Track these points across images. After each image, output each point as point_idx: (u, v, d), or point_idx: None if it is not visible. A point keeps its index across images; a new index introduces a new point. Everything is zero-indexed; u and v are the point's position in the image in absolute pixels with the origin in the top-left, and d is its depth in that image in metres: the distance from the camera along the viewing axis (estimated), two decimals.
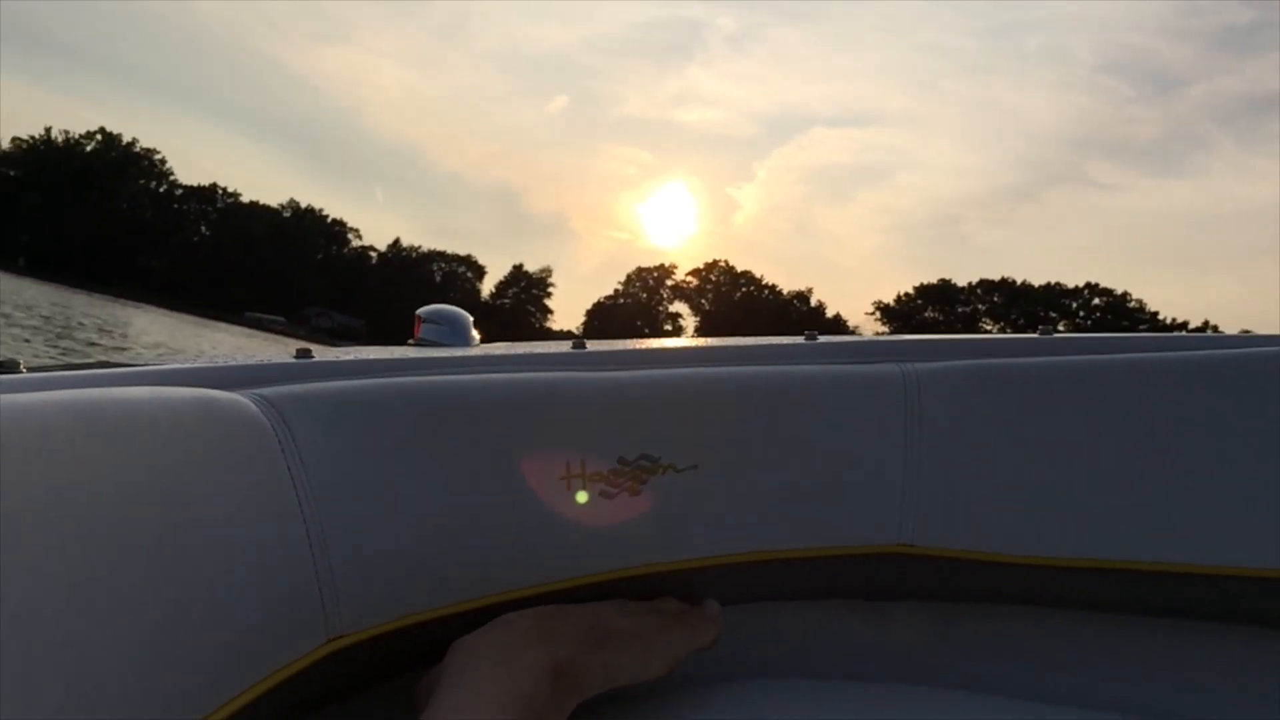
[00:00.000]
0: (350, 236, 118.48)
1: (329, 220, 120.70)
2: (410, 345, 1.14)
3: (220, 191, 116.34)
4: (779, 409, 0.77)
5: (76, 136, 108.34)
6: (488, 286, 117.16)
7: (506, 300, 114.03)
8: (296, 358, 0.75)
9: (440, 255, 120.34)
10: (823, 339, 0.88)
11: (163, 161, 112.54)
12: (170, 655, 0.48)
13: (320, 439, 0.63)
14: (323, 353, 0.78)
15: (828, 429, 0.77)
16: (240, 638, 0.54)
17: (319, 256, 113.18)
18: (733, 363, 0.80)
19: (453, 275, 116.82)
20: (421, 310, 1.21)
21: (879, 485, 0.78)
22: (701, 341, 0.89)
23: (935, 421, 0.78)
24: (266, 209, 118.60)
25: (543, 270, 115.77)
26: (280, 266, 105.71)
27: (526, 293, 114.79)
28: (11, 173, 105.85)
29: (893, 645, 0.83)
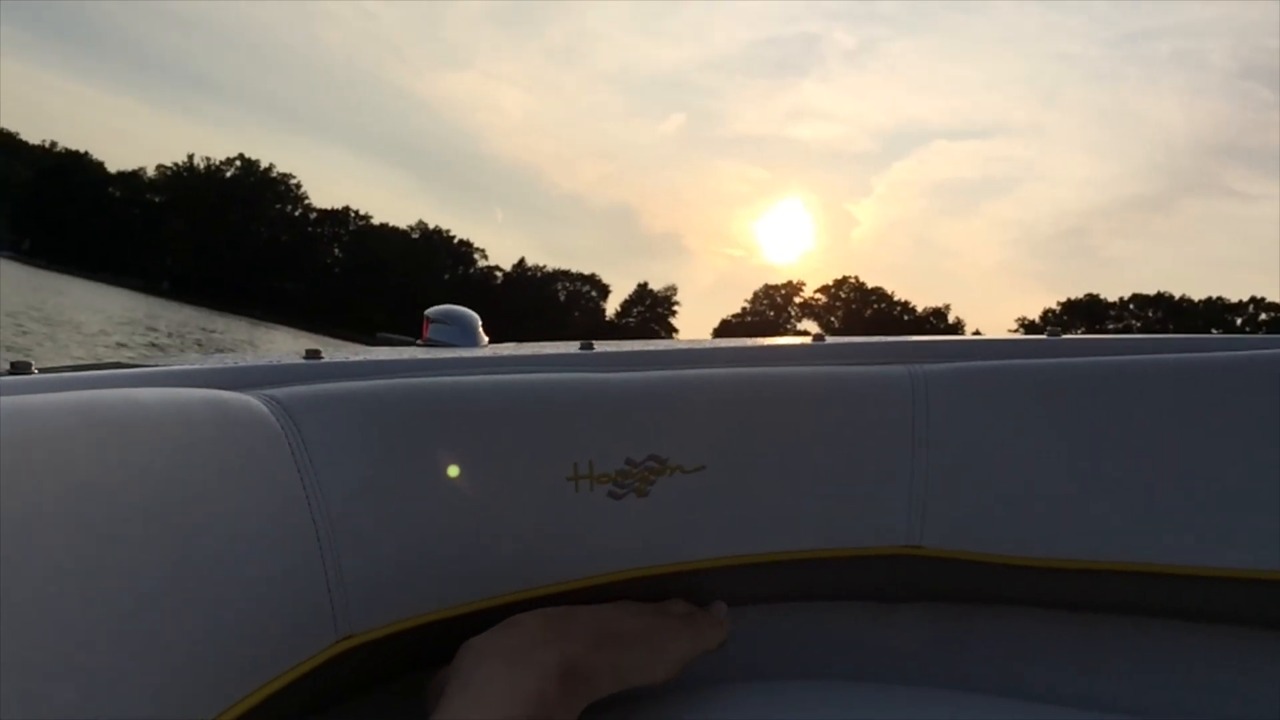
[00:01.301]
0: (476, 257, 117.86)
1: (456, 241, 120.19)
2: (419, 346, 1.12)
3: (352, 214, 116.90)
4: (787, 410, 0.76)
5: (217, 163, 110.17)
6: (612, 306, 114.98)
7: (631, 319, 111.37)
8: (306, 358, 0.75)
9: (565, 274, 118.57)
10: (830, 340, 0.88)
11: (298, 186, 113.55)
12: (180, 655, 0.47)
13: (330, 439, 0.63)
14: (332, 353, 0.79)
15: (836, 430, 0.77)
16: (250, 638, 0.53)
17: (446, 277, 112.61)
18: (740, 364, 0.79)
19: (577, 294, 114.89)
20: (430, 311, 1.20)
21: (887, 486, 0.77)
22: (709, 343, 0.88)
23: (943, 423, 0.77)
24: (395, 230, 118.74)
25: (668, 289, 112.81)
26: (410, 287, 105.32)
27: (651, 311, 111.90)
28: (157, 199, 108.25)
29: (901, 646, 0.83)
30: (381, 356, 0.77)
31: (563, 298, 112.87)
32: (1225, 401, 0.71)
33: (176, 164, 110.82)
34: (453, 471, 0.67)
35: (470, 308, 1.11)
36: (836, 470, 0.77)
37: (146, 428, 0.51)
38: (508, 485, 0.68)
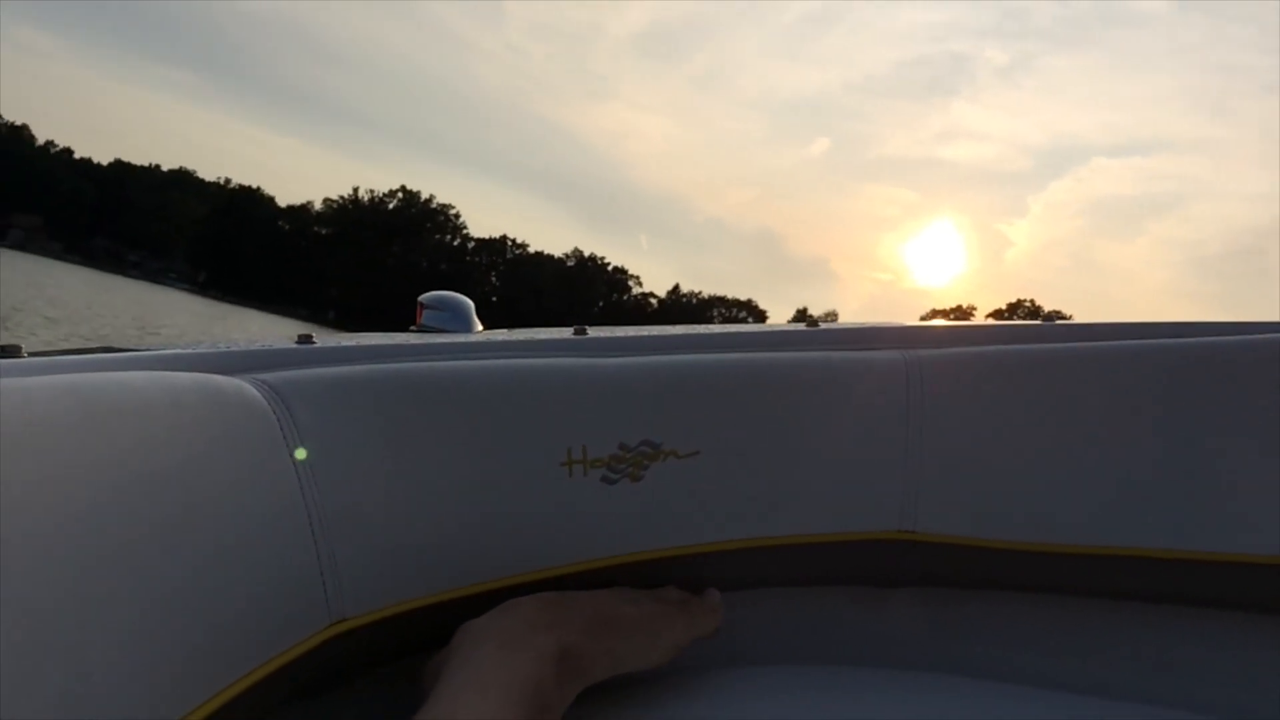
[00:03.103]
0: (630, 284, 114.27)
1: (610, 268, 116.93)
2: (412, 331, 1.10)
3: (509, 243, 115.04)
4: (781, 395, 0.75)
5: (380, 195, 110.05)
6: None
7: None
8: (298, 343, 0.74)
9: (720, 300, 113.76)
10: (824, 325, 0.86)
11: (456, 216, 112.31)
12: (172, 640, 0.47)
13: (321, 424, 0.62)
14: (324, 338, 0.77)
15: (830, 415, 0.76)
16: (242, 622, 0.53)
17: (601, 304, 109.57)
18: (735, 349, 0.78)
19: (732, 321, 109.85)
20: (423, 296, 1.18)
21: (881, 472, 0.77)
22: (702, 328, 0.87)
23: (937, 408, 0.76)
24: (551, 259, 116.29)
25: (828, 314, 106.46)
26: (566, 313, 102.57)
27: None
28: (323, 231, 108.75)
29: (895, 632, 0.82)
30: (374, 342, 0.76)
31: (718, 324, 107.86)
32: (1219, 386, 0.71)
33: (342, 197, 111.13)
34: (445, 456, 0.66)
35: None
36: (831, 456, 0.76)
37: (137, 411, 0.50)
38: (501, 470, 0.67)
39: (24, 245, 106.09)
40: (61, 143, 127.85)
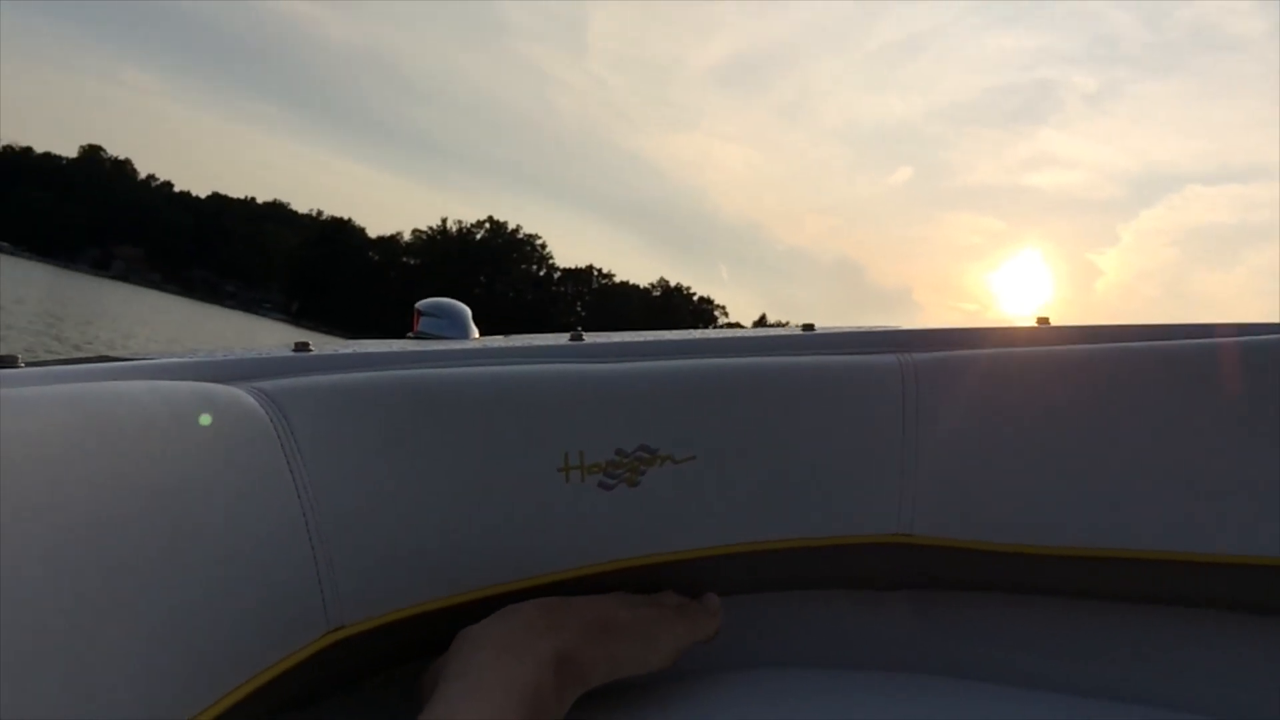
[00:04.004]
0: (717, 314, 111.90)
1: (696, 298, 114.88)
2: (409, 339, 1.06)
3: (595, 272, 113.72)
4: (777, 400, 0.75)
5: (468, 225, 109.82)
6: None
7: None
8: (295, 351, 0.73)
9: None
10: (820, 329, 0.86)
11: (543, 245, 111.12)
12: (169, 648, 0.47)
13: (318, 431, 0.62)
14: (321, 346, 0.76)
15: (826, 419, 0.76)
16: (240, 630, 0.53)
17: None
18: (731, 354, 0.78)
19: None
20: (420, 304, 1.16)
21: (877, 475, 0.76)
22: (698, 333, 0.86)
23: (933, 411, 0.76)
24: (636, 289, 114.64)
25: None
26: None
27: None
28: (412, 261, 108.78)
29: (892, 634, 0.82)
30: (370, 349, 0.75)
31: None
32: (1214, 389, 0.71)
33: (430, 228, 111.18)
34: (442, 463, 0.66)
35: None
36: (827, 459, 0.76)
37: (134, 420, 0.50)
38: (498, 476, 0.67)
39: (126, 276, 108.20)
40: (162, 176, 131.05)
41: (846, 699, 0.71)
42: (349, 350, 0.74)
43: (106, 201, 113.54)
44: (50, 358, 0.74)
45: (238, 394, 0.60)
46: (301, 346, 0.74)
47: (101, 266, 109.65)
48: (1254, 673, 0.72)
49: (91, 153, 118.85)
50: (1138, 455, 0.71)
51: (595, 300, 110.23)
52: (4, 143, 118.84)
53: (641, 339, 0.81)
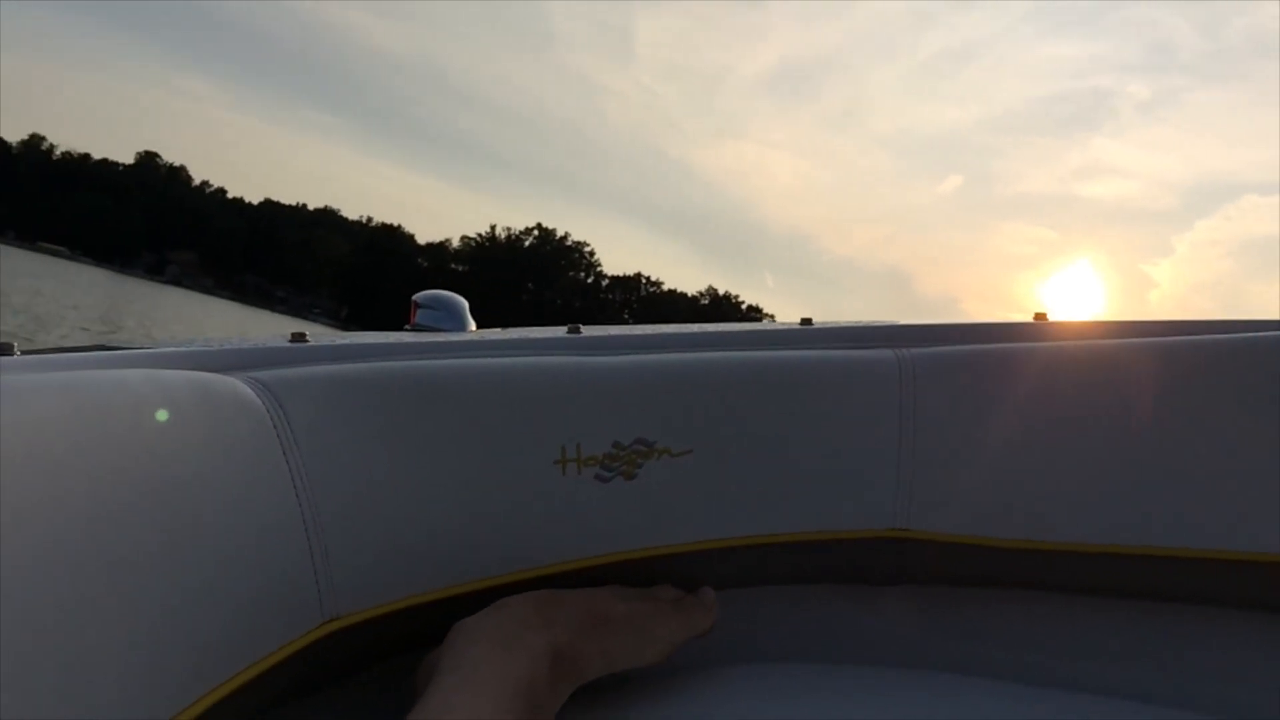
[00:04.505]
0: (766, 323, 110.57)
1: (744, 307, 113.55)
2: (406, 330, 1.09)
3: (643, 280, 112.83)
4: (774, 394, 0.75)
5: (516, 232, 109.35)
6: None
7: None
8: (291, 341, 0.73)
9: None
10: (818, 324, 0.86)
11: (591, 253, 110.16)
12: (165, 637, 0.47)
13: (315, 422, 0.62)
14: (317, 336, 0.76)
15: (823, 413, 0.76)
16: (235, 620, 0.52)
17: None
18: (728, 348, 0.78)
19: None
20: (417, 295, 1.17)
21: (874, 470, 0.76)
22: (696, 327, 0.86)
23: (930, 406, 0.76)
24: (684, 296, 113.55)
25: None
26: None
27: None
28: (460, 268, 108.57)
29: (888, 630, 0.82)
30: (367, 340, 0.75)
31: None
32: (1213, 384, 0.71)
33: (479, 234, 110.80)
34: (439, 454, 0.65)
35: None
36: (824, 453, 0.75)
37: (129, 409, 0.50)
38: (494, 468, 0.67)
39: (180, 281, 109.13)
40: (216, 183, 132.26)
41: (842, 694, 0.71)
42: (345, 341, 0.74)
43: (162, 207, 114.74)
44: (47, 346, 0.73)
45: (234, 383, 0.60)
46: (298, 337, 0.74)
47: (156, 271, 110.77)
48: (1258, 671, 0.72)
49: (147, 159, 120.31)
50: (1136, 451, 0.71)
51: (643, 307, 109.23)
52: (62, 149, 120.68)
53: (639, 332, 0.81)
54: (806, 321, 0.86)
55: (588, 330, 0.82)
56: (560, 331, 0.81)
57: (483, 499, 0.66)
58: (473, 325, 1.12)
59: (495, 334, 0.85)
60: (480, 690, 0.54)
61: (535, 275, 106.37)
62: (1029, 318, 0.80)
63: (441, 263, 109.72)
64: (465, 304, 1.14)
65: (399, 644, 0.67)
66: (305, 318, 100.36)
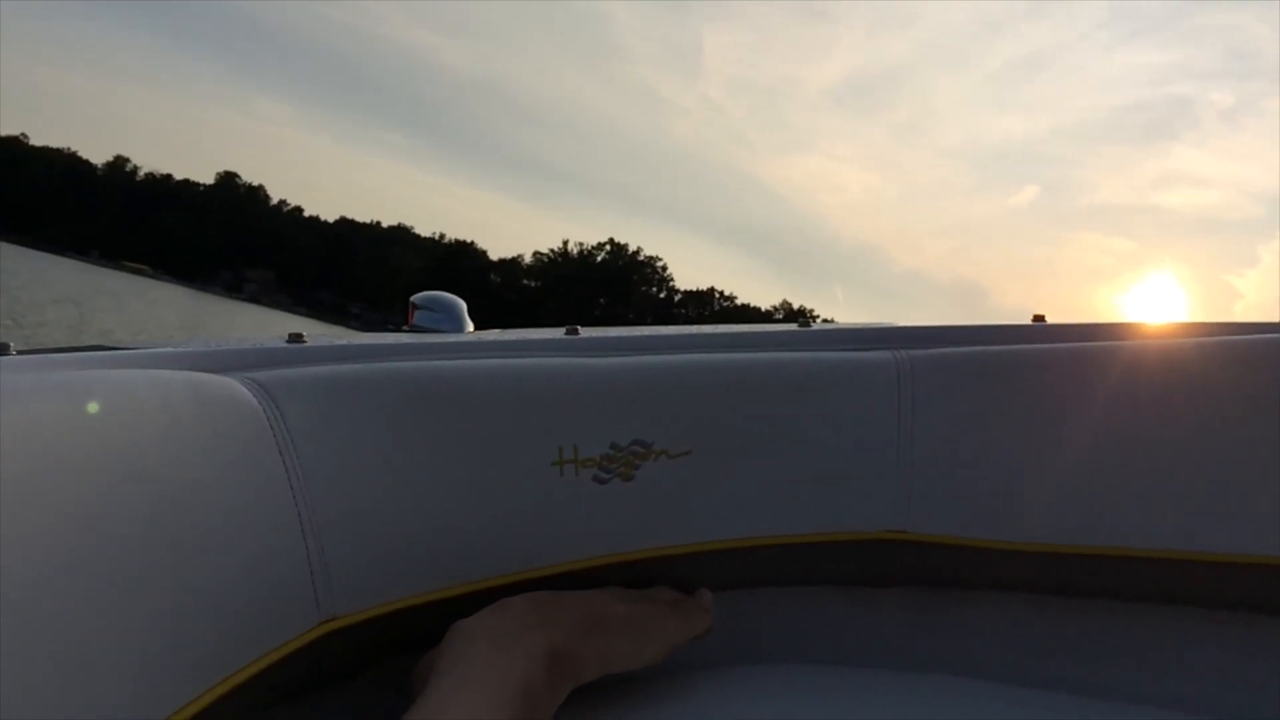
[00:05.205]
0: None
1: (819, 321, 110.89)
2: (404, 331, 1.09)
3: (716, 295, 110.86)
4: (772, 395, 0.75)
5: (589, 248, 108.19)
6: None
7: None
8: (289, 342, 0.73)
9: None
10: (816, 326, 0.86)
11: (664, 268, 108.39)
12: (161, 637, 0.46)
13: (312, 422, 0.61)
14: (315, 337, 0.76)
15: (821, 415, 0.75)
16: (232, 620, 0.52)
17: None
18: (726, 349, 0.78)
19: None
20: (415, 296, 1.17)
21: (872, 471, 0.76)
22: (694, 329, 0.86)
23: (929, 408, 0.76)
24: (758, 311, 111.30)
25: None
26: None
27: None
28: (533, 284, 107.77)
29: (886, 631, 0.82)
30: (365, 341, 0.75)
31: None
32: (1211, 386, 0.70)
33: (552, 250, 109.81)
34: (436, 455, 0.65)
35: None
36: (822, 455, 0.75)
37: (126, 408, 0.50)
38: (492, 469, 0.66)
39: (257, 298, 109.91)
40: (293, 202, 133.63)
41: (840, 696, 0.71)
42: (343, 342, 0.74)
43: (240, 226, 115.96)
44: (44, 345, 0.73)
45: (231, 384, 0.59)
46: (296, 338, 0.74)
47: (234, 289, 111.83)
48: (1257, 672, 0.73)
49: (227, 179, 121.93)
50: (1134, 453, 0.71)
51: (716, 322, 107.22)
52: (146, 170, 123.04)
53: (637, 334, 0.80)
54: (805, 323, 0.87)
55: (586, 331, 0.82)
56: (559, 333, 0.81)
57: (480, 500, 0.66)
58: (470, 326, 1.12)
59: (493, 335, 0.85)
60: (478, 690, 0.54)
61: (608, 290, 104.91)
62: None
63: (513, 278, 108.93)
64: (463, 305, 1.14)
65: (396, 644, 0.67)
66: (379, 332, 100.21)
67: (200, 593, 0.50)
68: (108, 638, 0.43)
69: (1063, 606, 0.77)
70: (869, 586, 0.82)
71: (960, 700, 0.70)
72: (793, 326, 0.86)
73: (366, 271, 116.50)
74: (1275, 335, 0.71)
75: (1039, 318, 0.84)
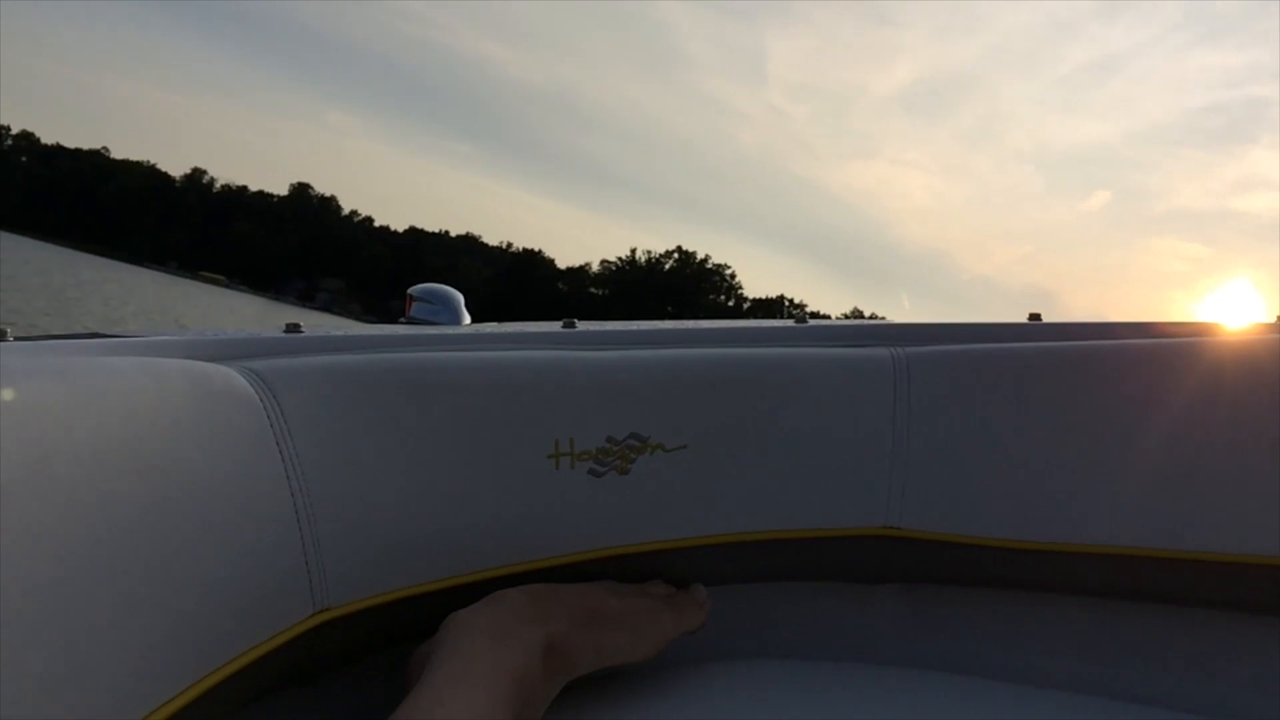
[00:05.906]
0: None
1: None
2: (402, 323, 1.07)
3: (787, 303, 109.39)
4: (769, 391, 0.74)
5: (656, 256, 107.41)
6: None
7: None
8: (286, 332, 0.72)
9: None
10: (813, 322, 0.85)
11: (732, 276, 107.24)
12: (155, 625, 0.46)
13: (309, 412, 0.61)
14: (312, 327, 0.76)
15: (817, 411, 0.75)
16: (227, 610, 0.52)
17: None
18: (724, 344, 0.78)
19: None
20: (413, 289, 1.16)
21: (868, 468, 0.76)
22: (691, 323, 0.85)
23: (925, 405, 0.76)
24: (828, 319, 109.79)
25: None
26: None
27: None
28: (600, 291, 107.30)
29: (880, 627, 0.81)
30: (362, 332, 0.75)
31: None
32: (1208, 386, 0.70)
33: (619, 258, 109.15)
34: (432, 447, 0.65)
35: None
36: (818, 451, 0.75)
37: (123, 396, 0.50)
38: (488, 462, 0.66)
39: (329, 307, 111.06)
40: (364, 212, 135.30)
41: (833, 691, 0.71)
42: (340, 332, 0.74)
43: (313, 236, 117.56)
44: (40, 333, 0.72)
45: (228, 373, 0.59)
46: (293, 327, 0.74)
47: (307, 298, 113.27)
48: (1255, 672, 0.72)
49: (300, 190, 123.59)
50: (1129, 452, 0.71)
51: None
52: (221, 182, 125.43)
53: (634, 328, 0.80)
54: (802, 319, 0.86)
55: (583, 325, 0.82)
56: (555, 326, 0.81)
57: (476, 492, 0.66)
58: (467, 318, 1.10)
59: (490, 328, 0.85)
60: (474, 682, 0.54)
61: (675, 298, 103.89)
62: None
63: (580, 286, 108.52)
64: (460, 297, 1.12)
65: (391, 635, 0.66)
66: None
67: (195, 582, 0.49)
68: (100, 626, 0.43)
69: (1057, 604, 0.77)
70: (863, 582, 0.81)
71: (952, 696, 0.71)
72: (790, 322, 0.85)
73: (436, 280, 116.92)
74: (1271, 336, 0.72)
75: (1035, 316, 0.84)
